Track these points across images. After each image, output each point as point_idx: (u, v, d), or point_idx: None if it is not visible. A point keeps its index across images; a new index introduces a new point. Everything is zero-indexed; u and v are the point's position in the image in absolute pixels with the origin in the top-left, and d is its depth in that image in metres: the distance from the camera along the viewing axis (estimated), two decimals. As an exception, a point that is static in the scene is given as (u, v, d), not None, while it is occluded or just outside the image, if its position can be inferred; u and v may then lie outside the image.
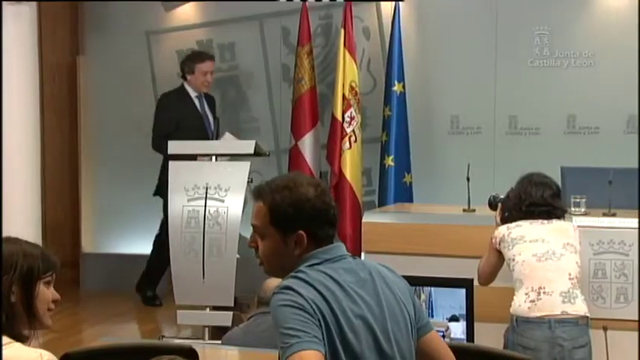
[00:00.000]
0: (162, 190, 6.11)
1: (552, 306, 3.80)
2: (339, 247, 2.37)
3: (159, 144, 6.23)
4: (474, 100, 6.83)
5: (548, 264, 3.87)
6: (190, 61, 6.47)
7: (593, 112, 6.66)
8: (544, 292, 3.83)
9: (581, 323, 3.81)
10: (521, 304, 3.86)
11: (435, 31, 6.91)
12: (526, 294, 3.87)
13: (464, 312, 3.94)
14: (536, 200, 4.09)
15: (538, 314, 3.80)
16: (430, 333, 2.45)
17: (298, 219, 2.31)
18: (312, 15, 6.87)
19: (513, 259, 3.98)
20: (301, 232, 2.31)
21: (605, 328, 4.21)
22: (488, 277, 4.18)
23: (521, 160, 6.09)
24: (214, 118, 6.43)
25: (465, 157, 6.06)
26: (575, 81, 6.66)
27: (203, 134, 6.38)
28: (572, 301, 3.81)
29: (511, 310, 3.91)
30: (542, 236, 3.97)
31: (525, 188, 4.16)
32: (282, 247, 2.33)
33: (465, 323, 3.86)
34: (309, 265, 2.30)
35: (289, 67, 7.02)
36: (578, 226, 4.21)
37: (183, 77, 6.49)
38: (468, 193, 5.24)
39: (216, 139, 6.18)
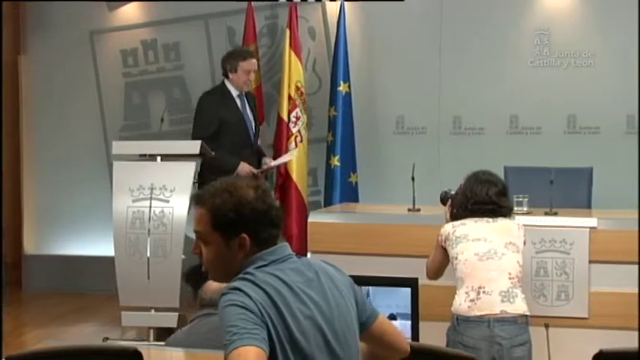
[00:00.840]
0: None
1: (491, 305, 3.84)
2: (285, 248, 2.37)
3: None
4: (419, 101, 6.89)
5: (489, 263, 3.90)
6: (233, 59, 6.09)
7: (534, 112, 6.75)
8: (484, 292, 3.86)
9: (520, 322, 3.84)
10: (461, 303, 3.90)
11: (380, 32, 6.95)
12: (466, 293, 3.90)
13: (402, 310, 3.98)
14: (481, 199, 4.11)
15: (477, 313, 3.84)
16: (378, 318, 2.47)
17: (240, 222, 2.30)
18: (257, 15, 6.87)
19: (456, 258, 4.01)
20: (244, 235, 2.29)
21: (546, 326, 4.27)
22: (435, 274, 4.21)
23: (465, 159, 6.16)
24: (254, 117, 6.23)
25: (410, 157, 6.11)
26: (519, 81, 6.75)
27: (245, 134, 6.12)
28: (511, 300, 3.85)
29: (452, 308, 3.94)
30: (485, 235, 3.99)
31: (471, 186, 4.17)
32: (225, 251, 2.32)
33: (403, 322, 3.90)
34: (257, 267, 2.29)
35: (235, 67, 7.00)
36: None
37: (225, 75, 6.13)
38: (413, 192, 5.28)
39: (257, 138, 6.16)
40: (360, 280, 4.03)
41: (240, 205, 2.30)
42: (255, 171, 5.89)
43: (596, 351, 3.13)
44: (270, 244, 2.33)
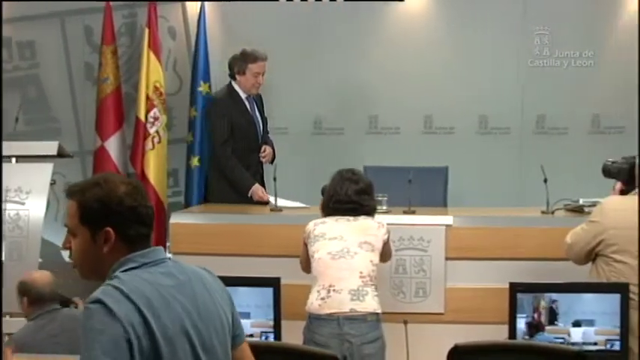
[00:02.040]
0: (210, 200, 5.83)
1: (341, 304, 3.90)
2: (158, 251, 2.35)
3: (222, 151, 5.74)
4: (280, 100, 6.92)
5: (340, 262, 3.96)
6: (242, 60, 5.82)
7: (393, 113, 6.91)
8: (334, 290, 3.93)
9: (370, 320, 3.90)
10: (313, 301, 3.96)
11: (241, 32, 6.94)
12: (318, 291, 3.96)
13: (264, 310, 4.01)
14: (342, 197, 4.17)
15: (327, 311, 3.89)
16: (242, 344, 2.48)
17: (105, 215, 2.28)
18: (115, 14, 6.75)
19: (313, 256, 4.06)
20: (109, 228, 2.27)
21: (405, 322, 4.37)
22: (305, 270, 4.25)
23: (327, 159, 6.23)
24: (262, 118, 5.99)
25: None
26: (375, 84, 6.88)
27: (254, 138, 5.87)
28: (360, 298, 3.92)
29: (306, 307, 3.99)
30: (342, 234, 4.05)
31: (334, 185, 4.23)
32: (91, 245, 2.29)
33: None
34: (126, 270, 2.27)
35: (93, 67, 6.87)
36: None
37: (232, 77, 5.89)
38: (275, 192, 5.31)
39: (263, 141, 5.93)
40: (223, 281, 4.05)
41: (107, 198, 2.28)
42: (266, 198, 5.58)
43: (452, 345, 3.24)
44: (140, 243, 2.31)
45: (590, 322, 3.85)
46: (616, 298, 3.82)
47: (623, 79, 6.70)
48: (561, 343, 3.78)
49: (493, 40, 6.78)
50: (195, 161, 6.66)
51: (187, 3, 6.96)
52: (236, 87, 5.85)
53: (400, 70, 6.86)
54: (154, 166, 6.50)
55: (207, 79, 6.67)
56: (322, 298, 3.92)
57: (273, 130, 6.88)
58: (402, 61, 6.86)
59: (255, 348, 2.56)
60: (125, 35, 7.01)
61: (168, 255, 2.39)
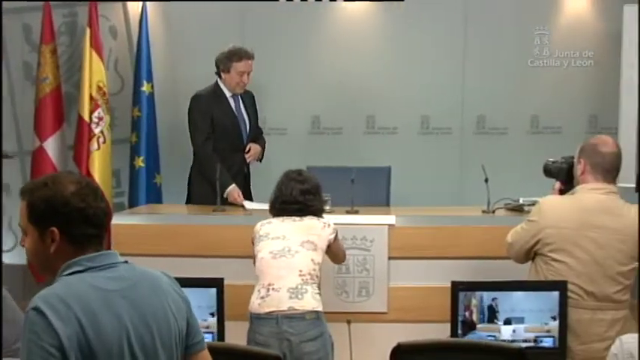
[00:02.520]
0: (193, 201, 5.71)
1: (279, 302, 3.92)
2: (108, 256, 2.34)
3: (202, 149, 5.72)
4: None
5: (281, 261, 3.98)
6: (227, 58, 5.77)
7: (336, 113, 6.93)
8: (273, 289, 3.95)
9: (309, 318, 3.92)
10: (253, 301, 3.98)
11: (184, 32, 6.91)
12: (258, 290, 3.98)
13: (209, 310, 4.00)
14: (287, 198, 4.19)
15: (267, 310, 3.92)
16: (202, 352, 2.48)
17: (51, 215, 2.29)
18: (55, 12, 6.65)
19: (256, 256, 4.08)
20: (54, 228, 2.28)
21: (348, 322, 4.40)
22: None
23: (270, 159, 6.21)
24: (251, 118, 5.90)
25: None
26: (320, 84, 6.90)
27: (237, 138, 5.82)
28: (299, 297, 3.94)
29: (248, 307, 4.01)
30: (285, 233, 4.07)
31: (280, 186, 4.26)
32: (39, 244, 2.31)
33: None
34: (71, 273, 2.27)
35: (32, 66, 6.77)
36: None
37: (218, 75, 5.84)
38: (218, 193, 5.30)
39: (250, 140, 5.85)
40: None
41: (53, 198, 2.29)
42: (240, 200, 5.51)
43: (395, 344, 3.27)
44: (88, 245, 2.31)
45: (521, 320, 3.91)
46: (547, 295, 3.89)
47: (560, 81, 6.83)
48: (492, 340, 3.84)
49: (435, 41, 6.85)
50: (139, 162, 6.61)
51: (128, 2, 6.89)
52: (222, 85, 5.84)
53: (343, 70, 6.88)
54: (99, 167, 6.42)
55: (150, 79, 6.63)
56: (262, 297, 3.95)
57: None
58: (344, 61, 6.89)
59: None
60: (65, 34, 6.92)
61: (123, 259, 2.37)
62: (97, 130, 6.44)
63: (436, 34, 6.86)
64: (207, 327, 3.99)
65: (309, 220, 4.16)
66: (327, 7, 6.87)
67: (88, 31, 6.49)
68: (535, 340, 3.89)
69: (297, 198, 4.17)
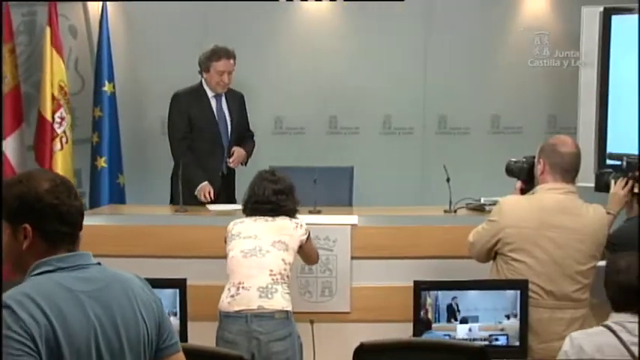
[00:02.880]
0: (176, 201, 5.56)
1: (249, 301, 3.93)
2: (80, 256, 2.33)
3: (177, 148, 5.67)
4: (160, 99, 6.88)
5: (251, 260, 3.99)
6: (207, 58, 5.70)
7: (298, 113, 6.94)
8: (243, 288, 3.95)
9: (279, 317, 3.93)
10: (223, 299, 3.98)
11: (143, 31, 6.88)
12: (229, 289, 3.98)
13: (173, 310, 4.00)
14: (259, 198, 4.19)
15: (236, 309, 3.92)
16: (176, 354, 2.47)
17: (23, 212, 2.28)
18: (14, 12, 6.57)
19: (228, 255, 4.08)
20: (26, 225, 2.28)
21: (312, 322, 4.41)
22: None
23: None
24: (234, 119, 5.81)
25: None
26: (283, 84, 6.91)
27: (216, 139, 5.75)
28: (269, 296, 3.95)
29: (218, 305, 4.01)
30: (257, 233, 4.07)
31: (253, 186, 4.25)
32: (13, 241, 2.30)
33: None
34: (41, 273, 2.26)
35: (-10, 65, 6.69)
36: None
37: (201, 74, 5.79)
38: (180, 193, 5.29)
39: (235, 142, 5.77)
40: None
41: (27, 194, 2.29)
42: (207, 198, 5.51)
43: (358, 344, 3.29)
44: (61, 242, 2.31)
45: (476, 319, 3.95)
46: (501, 294, 3.93)
47: (520, 81, 6.90)
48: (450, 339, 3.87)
49: (397, 42, 6.88)
50: (101, 162, 6.57)
51: (89, 2, 6.84)
52: (204, 85, 5.80)
53: (305, 71, 6.90)
54: (62, 167, 6.36)
55: (111, 78, 6.59)
56: (232, 296, 3.95)
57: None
58: (306, 62, 6.90)
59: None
60: (24, 34, 6.84)
61: (95, 260, 2.37)
62: (59, 130, 6.39)
63: (398, 35, 6.89)
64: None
65: (282, 221, 4.16)
66: (290, 8, 6.88)
67: (47, 30, 6.43)
68: (489, 339, 3.93)
69: (270, 198, 4.17)
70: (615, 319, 3.19)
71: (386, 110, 6.94)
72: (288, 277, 4.06)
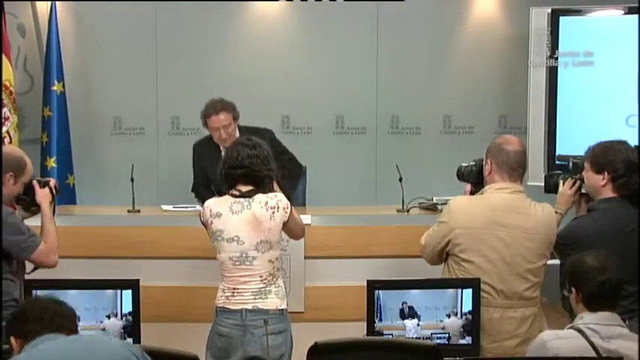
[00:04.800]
0: None
1: (245, 301, 3.92)
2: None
3: (197, 192, 5.59)
4: (135, 101, 6.84)
5: (242, 268, 3.93)
6: (203, 116, 5.40)
7: (251, 112, 6.92)
8: (237, 292, 3.93)
9: (273, 313, 3.91)
10: (219, 297, 3.96)
11: (95, 32, 6.81)
12: (223, 290, 3.96)
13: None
14: (232, 162, 3.98)
15: (232, 308, 3.91)
16: None
17: None
18: (-41, 9, 6.49)
19: (217, 254, 3.97)
20: None
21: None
22: None
23: (185, 159, 6.17)
24: None
25: (128, 157, 6.08)
26: (236, 84, 6.90)
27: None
28: (263, 297, 3.92)
29: (215, 302, 3.98)
30: (238, 233, 3.91)
31: (228, 150, 4.08)
32: None
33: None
34: None
35: None
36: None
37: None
38: (132, 194, 5.26)
39: None
40: (79, 284, 3.99)
41: None
42: None
43: (312, 343, 3.29)
44: None
45: (418, 317, 3.97)
46: (442, 293, 3.96)
47: (471, 81, 6.97)
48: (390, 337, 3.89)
49: (348, 42, 6.91)
50: (51, 162, 6.50)
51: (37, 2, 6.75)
52: None
53: (257, 70, 6.89)
54: (7, 169, 6.26)
55: (61, 78, 6.52)
56: (227, 297, 3.94)
57: (128, 130, 6.82)
58: (257, 62, 6.89)
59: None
60: (-29, 32, 6.74)
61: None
62: (3, 130, 6.29)
63: (349, 35, 6.92)
64: (104, 329, 3.92)
65: (257, 209, 3.94)
66: (241, 7, 6.86)
67: (-7, 28, 6.33)
68: (431, 337, 3.95)
69: (244, 162, 3.95)
70: (586, 320, 3.21)
71: (338, 110, 6.96)
72: (279, 270, 4.01)
